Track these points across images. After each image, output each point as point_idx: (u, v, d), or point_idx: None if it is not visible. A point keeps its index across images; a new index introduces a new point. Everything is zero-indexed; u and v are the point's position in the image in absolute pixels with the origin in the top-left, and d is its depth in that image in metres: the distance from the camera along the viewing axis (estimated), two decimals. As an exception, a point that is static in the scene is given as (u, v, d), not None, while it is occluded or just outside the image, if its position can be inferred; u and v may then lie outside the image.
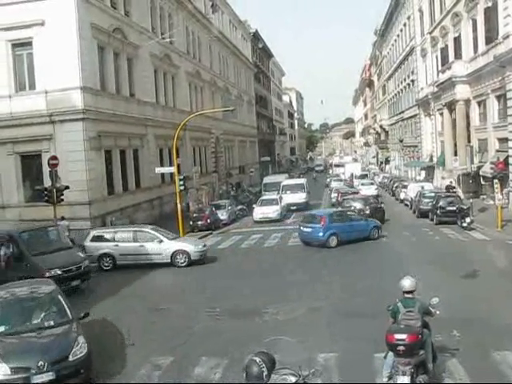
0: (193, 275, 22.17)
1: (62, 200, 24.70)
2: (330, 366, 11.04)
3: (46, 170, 26.83)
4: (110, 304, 17.50)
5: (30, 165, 29.75)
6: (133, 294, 19.07)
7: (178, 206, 31.00)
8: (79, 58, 28.54)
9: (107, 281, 21.44)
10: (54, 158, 25.49)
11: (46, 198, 24.36)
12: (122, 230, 25.65)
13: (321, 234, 26.26)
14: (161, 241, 23.94)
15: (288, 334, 10.27)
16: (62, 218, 26.39)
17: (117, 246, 24.04)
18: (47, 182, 25.76)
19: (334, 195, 45.35)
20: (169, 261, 23.63)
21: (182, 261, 23.64)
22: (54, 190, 24.26)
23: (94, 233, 24.99)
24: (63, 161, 26.31)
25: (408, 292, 9.62)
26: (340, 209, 31.76)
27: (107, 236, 24.76)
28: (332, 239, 26.11)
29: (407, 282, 9.66)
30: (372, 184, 53.55)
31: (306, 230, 27.28)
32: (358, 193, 42.17)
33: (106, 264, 23.87)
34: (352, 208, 31.87)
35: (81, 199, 28.46)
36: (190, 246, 24.38)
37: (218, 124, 56.68)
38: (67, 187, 24.87)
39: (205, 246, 25.29)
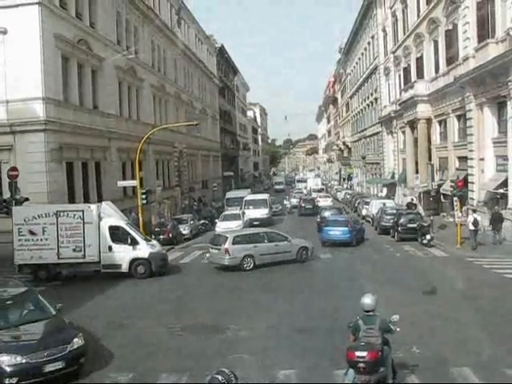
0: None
1: (22, 212, 24.22)
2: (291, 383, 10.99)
3: (5, 181, 26.38)
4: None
5: (-11, 176, 29.10)
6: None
7: (140, 219, 30.74)
8: (42, 68, 28.05)
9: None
10: (14, 169, 25.15)
11: (5, 209, 24.00)
12: (254, 232, 27.60)
13: (348, 235, 30.65)
14: (290, 240, 26.16)
15: (249, 350, 10.20)
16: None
17: (256, 246, 25.19)
18: (6, 194, 25.29)
19: (294, 200, 60.33)
20: (295, 257, 25.78)
21: (305, 256, 26.02)
22: (13, 202, 23.87)
23: (232, 236, 25.54)
24: (23, 172, 25.82)
25: (368, 310, 9.67)
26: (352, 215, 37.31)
27: (244, 238, 25.83)
28: (355, 239, 30.91)
29: (367, 300, 9.71)
30: (328, 197, 61.64)
31: (332, 232, 31.07)
32: (314, 200, 54.50)
33: (248, 264, 24.72)
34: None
35: (41, 211, 27.87)
36: (308, 242, 26.97)
37: (181, 138, 56.39)
38: (27, 199, 24.51)
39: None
